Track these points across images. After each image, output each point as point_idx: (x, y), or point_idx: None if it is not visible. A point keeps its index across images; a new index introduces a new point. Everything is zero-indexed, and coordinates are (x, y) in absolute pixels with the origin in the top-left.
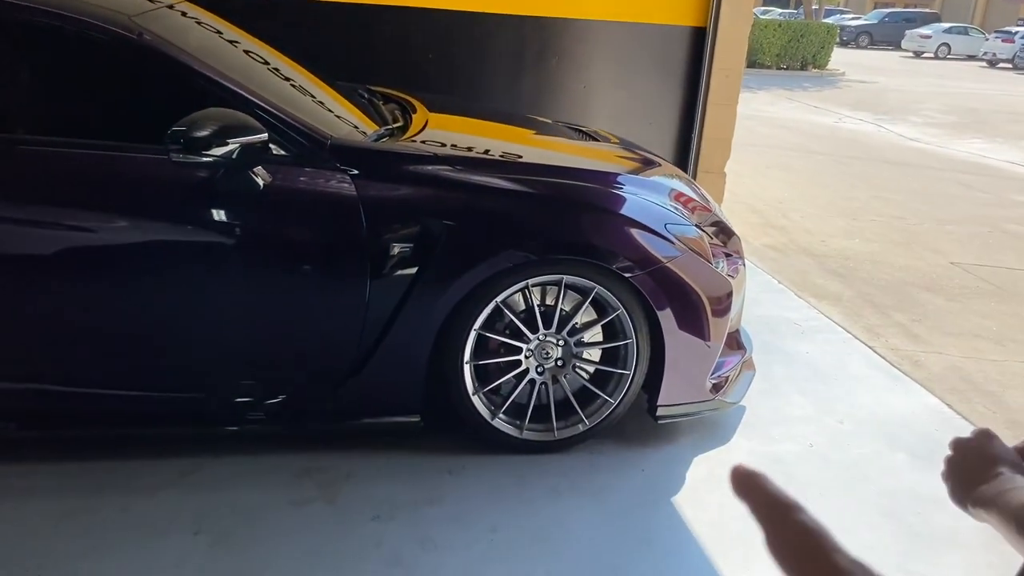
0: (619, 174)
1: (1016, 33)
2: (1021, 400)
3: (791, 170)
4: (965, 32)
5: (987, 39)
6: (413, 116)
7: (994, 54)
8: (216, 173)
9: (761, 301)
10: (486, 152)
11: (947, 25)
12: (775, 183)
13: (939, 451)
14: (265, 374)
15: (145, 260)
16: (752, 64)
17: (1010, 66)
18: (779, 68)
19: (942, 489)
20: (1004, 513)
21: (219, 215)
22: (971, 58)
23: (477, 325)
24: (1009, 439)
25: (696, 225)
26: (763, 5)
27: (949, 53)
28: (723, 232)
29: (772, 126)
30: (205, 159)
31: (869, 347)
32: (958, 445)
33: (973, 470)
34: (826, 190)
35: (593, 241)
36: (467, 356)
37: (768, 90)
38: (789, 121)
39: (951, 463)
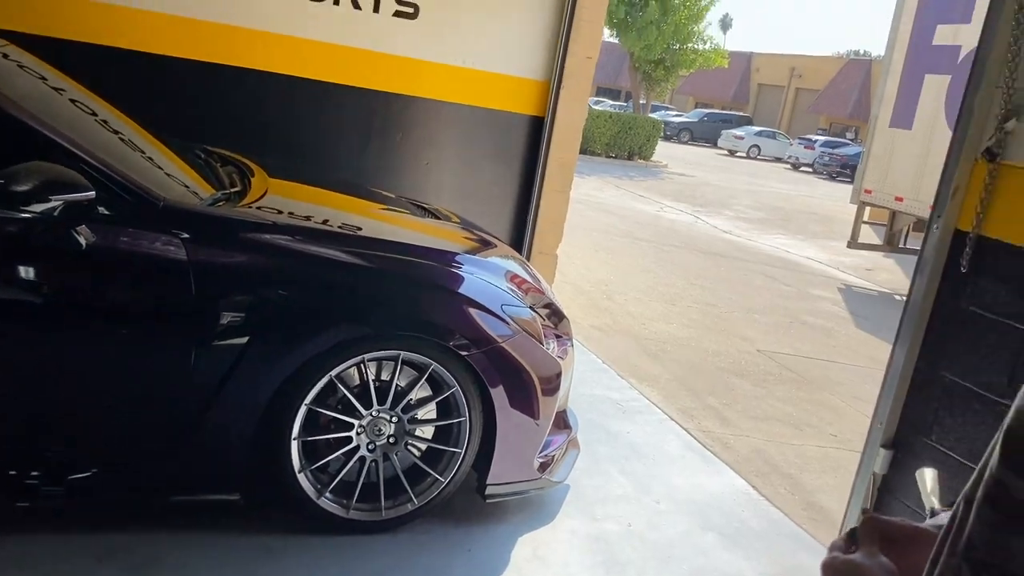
0: (459, 253)
1: (816, 141)
2: (816, 481)
3: (616, 254)
4: (773, 136)
5: (792, 144)
6: (252, 181)
7: (797, 158)
8: (35, 230)
9: (586, 380)
10: (327, 223)
11: (758, 129)
12: (602, 266)
13: (744, 531)
14: (77, 444)
15: None
16: (584, 151)
17: (811, 170)
18: (608, 156)
19: (745, 568)
20: None
21: (35, 275)
22: (778, 160)
23: (308, 400)
24: (805, 519)
25: (530, 307)
26: (596, 96)
27: (759, 154)
28: (555, 314)
29: (601, 211)
30: (24, 215)
31: (684, 428)
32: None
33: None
34: (648, 275)
35: (433, 318)
36: (296, 432)
37: (598, 176)
38: (616, 207)
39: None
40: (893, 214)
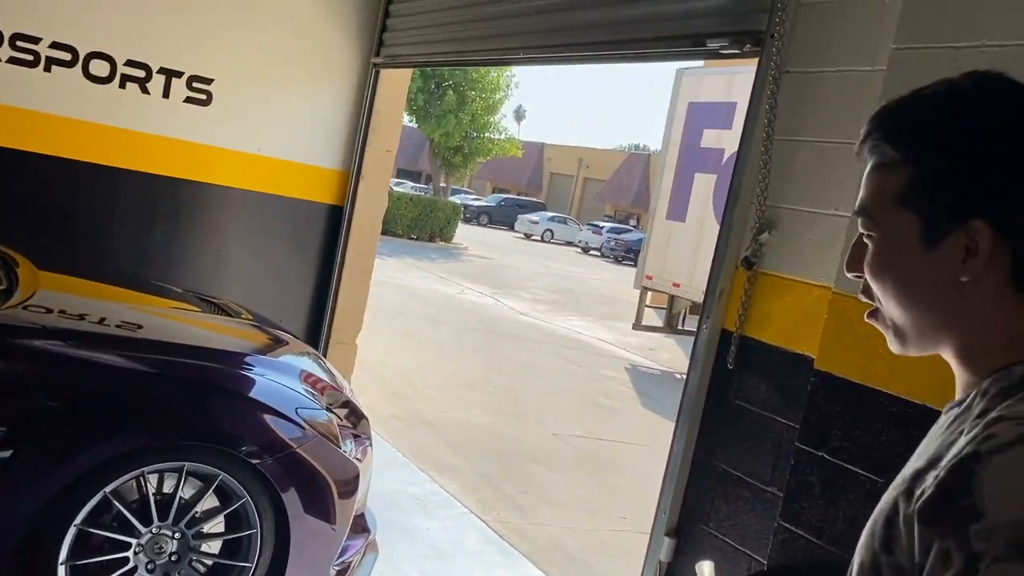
0: (249, 354)
1: (603, 227)
2: (609, 567)
3: (418, 338)
4: (565, 222)
5: (581, 229)
6: (20, 276)
7: (587, 243)
8: None
9: (386, 475)
10: (103, 322)
11: (551, 214)
12: (403, 351)
13: None
14: None
15: None
16: (386, 232)
17: (599, 253)
18: (410, 238)
19: None
20: None
21: None
22: (569, 244)
23: (78, 520)
24: None
25: (327, 407)
26: (397, 177)
27: (552, 238)
28: (353, 413)
29: (403, 294)
30: None
31: (483, 521)
32: None
33: None
34: (448, 359)
35: (220, 426)
36: (63, 555)
37: (399, 258)
38: (418, 290)
39: None
40: (672, 298)
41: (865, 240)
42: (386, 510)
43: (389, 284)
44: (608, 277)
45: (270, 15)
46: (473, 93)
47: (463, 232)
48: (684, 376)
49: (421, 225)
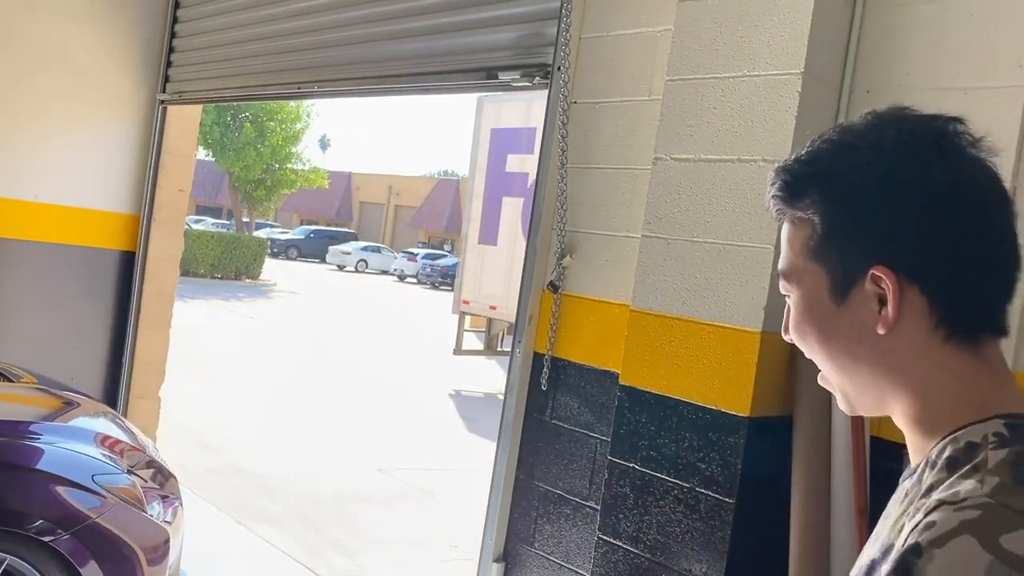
0: (34, 421)
1: (418, 254)
2: None
3: (227, 385)
4: (378, 251)
5: (396, 257)
6: None
7: (402, 270)
8: None
9: (205, 535)
10: None
11: (364, 244)
12: (213, 400)
13: None
14: None
15: None
16: (187, 273)
17: (415, 280)
18: (214, 277)
19: None
20: None
21: None
22: (384, 272)
23: None
24: None
25: (128, 470)
26: (196, 214)
27: (367, 267)
28: (159, 473)
29: (207, 337)
30: None
31: (310, 570)
32: None
33: None
34: (263, 404)
35: (2, 504)
36: None
37: (204, 299)
38: (224, 332)
39: None
40: (490, 321)
41: (789, 303)
42: (207, 572)
43: (193, 329)
44: (425, 303)
45: (41, 54)
46: (272, 124)
47: (272, 267)
48: None
49: (225, 263)
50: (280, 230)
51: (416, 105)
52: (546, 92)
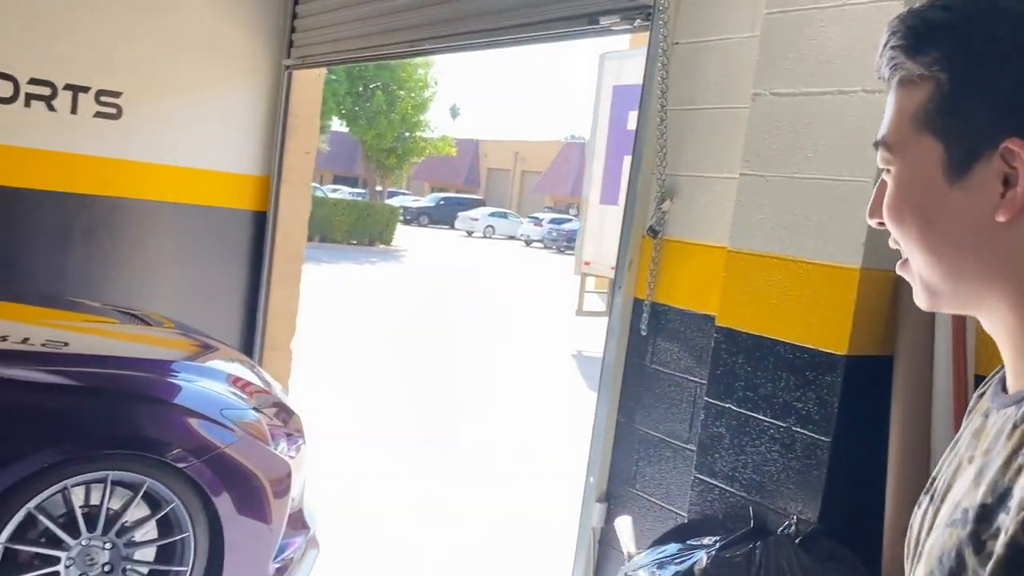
0: (172, 361)
1: (543, 219)
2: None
3: (355, 340)
4: (505, 216)
5: (522, 223)
6: None
7: (528, 235)
8: None
9: (327, 475)
10: (11, 338)
11: (491, 210)
12: (343, 353)
13: None
14: None
15: None
16: (324, 239)
17: (541, 245)
18: (349, 243)
19: None
20: None
21: None
22: (511, 238)
23: (3, 538)
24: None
25: (255, 408)
26: (333, 184)
27: (494, 233)
28: (285, 413)
29: (341, 297)
30: None
31: (423, 502)
32: None
33: None
34: (388, 358)
35: (142, 433)
36: None
37: (339, 263)
38: (362, 293)
39: None
40: (612, 281)
41: (885, 178)
42: (325, 511)
43: (328, 288)
44: (550, 267)
45: (174, 23)
46: (402, 92)
47: (403, 234)
48: None
49: (359, 230)
50: (412, 198)
51: (543, 70)
52: (647, 35)
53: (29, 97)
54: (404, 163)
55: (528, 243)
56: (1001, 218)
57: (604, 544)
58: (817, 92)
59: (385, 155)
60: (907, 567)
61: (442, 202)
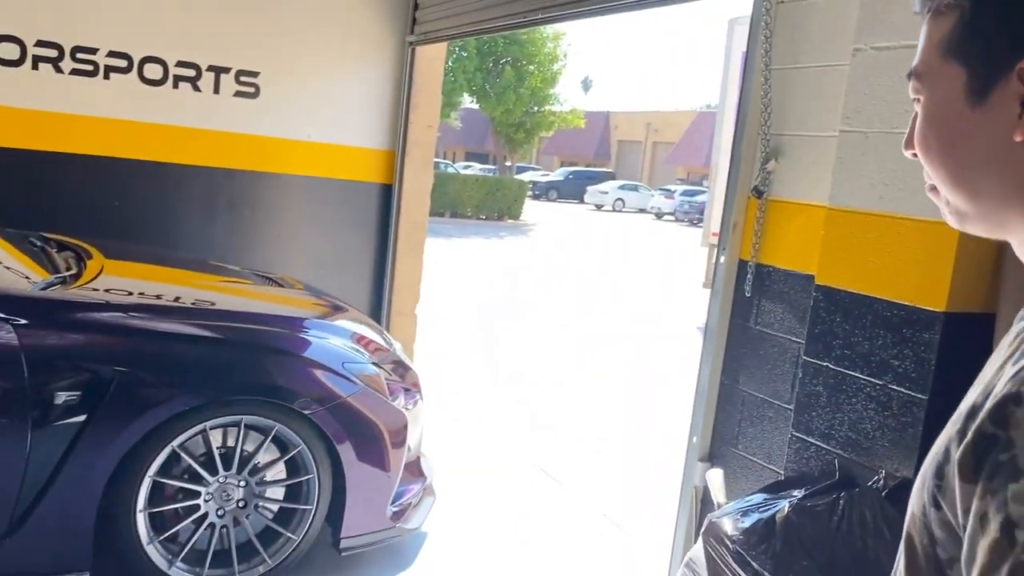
0: (299, 319)
1: (675, 191)
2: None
3: (482, 308)
4: (635, 189)
5: (653, 195)
6: (88, 263)
7: (659, 208)
8: None
9: (448, 434)
10: (161, 297)
11: (621, 183)
12: (468, 320)
13: (594, 552)
14: None
15: None
16: (455, 214)
17: (672, 218)
18: (479, 218)
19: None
20: None
21: None
22: (642, 211)
23: (152, 472)
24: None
25: (374, 363)
26: (465, 160)
27: (624, 207)
28: (402, 369)
29: (469, 269)
30: None
31: (538, 467)
32: None
33: None
34: (514, 326)
35: (271, 381)
36: (141, 504)
37: (469, 238)
38: (486, 266)
39: None
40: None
41: (916, 108)
42: (446, 464)
43: (458, 261)
44: (680, 239)
45: (307, 4)
46: (531, 67)
47: (532, 209)
48: None
49: (488, 205)
50: (541, 172)
51: (676, 38)
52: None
53: (177, 79)
54: (532, 137)
55: (659, 216)
56: (1018, 138)
57: (707, 504)
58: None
59: (514, 130)
60: None
61: (571, 176)
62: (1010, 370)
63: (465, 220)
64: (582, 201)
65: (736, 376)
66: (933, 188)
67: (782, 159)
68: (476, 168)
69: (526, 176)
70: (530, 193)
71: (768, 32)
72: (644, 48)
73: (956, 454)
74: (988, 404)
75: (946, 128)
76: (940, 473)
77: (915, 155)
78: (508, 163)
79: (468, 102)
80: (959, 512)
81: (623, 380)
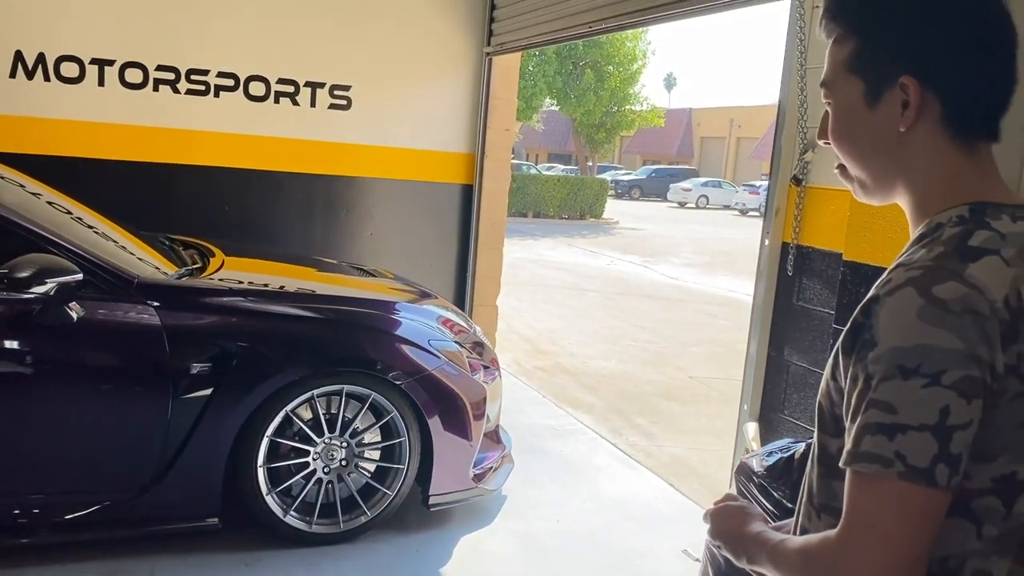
0: (391, 302)
1: (760, 186)
2: (727, 475)
3: (564, 306)
4: (719, 185)
5: (737, 191)
6: (211, 259)
7: (744, 204)
8: (36, 308)
9: (525, 411)
10: (272, 285)
11: (704, 180)
12: (549, 316)
13: (659, 518)
14: (77, 487)
15: None
16: (537, 214)
17: (757, 214)
18: (561, 218)
19: (653, 544)
20: (782, 560)
21: (37, 343)
22: (726, 207)
23: (269, 432)
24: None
25: (456, 342)
26: (548, 162)
27: (708, 203)
28: (482, 348)
29: (552, 268)
30: (27, 296)
31: (612, 444)
32: (718, 503)
33: (733, 516)
34: (592, 321)
35: (368, 355)
36: (260, 460)
37: (551, 237)
38: (568, 264)
39: (715, 513)
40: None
41: (827, 109)
42: (525, 438)
43: (540, 261)
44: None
45: (392, 22)
46: (610, 67)
47: (614, 207)
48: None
49: (570, 204)
50: (623, 171)
51: (758, 33)
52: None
53: (278, 95)
54: (613, 137)
55: (743, 212)
56: (902, 128)
57: None
58: None
59: (594, 130)
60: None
61: (653, 174)
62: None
63: (548, 220)
64: (665, 199)
65: (781, 348)
66: (842, 167)
67: (818, 149)
68: (559, 169)
69: (608, 175)
70: (612, 192)
71: (803, 35)
72: (726, 43)
73: (840, 339)
74: (861, 304)
75: (850, 124)
76: (835, 354)
77: (827, 143)
78: (589, 163)
79: (549, 104)
80: (843, 378)
81: (701, 364)
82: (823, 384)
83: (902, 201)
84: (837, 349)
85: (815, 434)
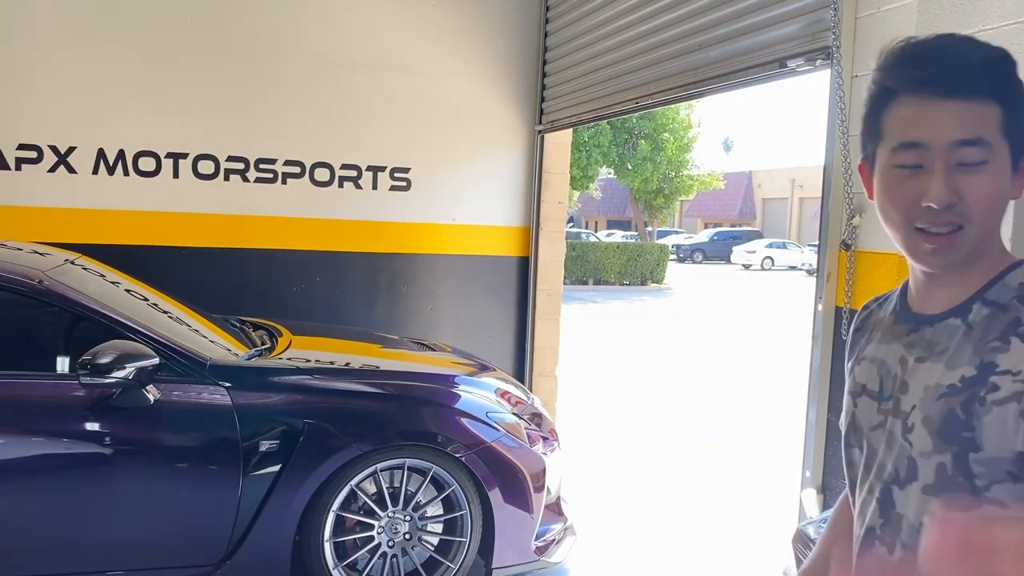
0: (451, 376)
1: None
2: None
3: (620, 368)
4: (784, 246)
5: (803, 251)
6: (279, 339)
7: (811, 265)
8: (117, 391)
9: (586, 477)
10: (337, 363)
11: (769, 241)
12: (609, 379)
13: None
14: (155, 563)
15: (56, 466)
16: (598, 281)
17: None
18: (622, 284)
19: None
20: None
21: (117, 424)
22: (792, 268)
23: (335, 506)
24: None
25: (515, 414)
26: (607, 228)
27: (773, 265)
28: (540, 419)
29: (610, 332)
30: (108, 380)
31: (664, 509)
32: None
33: None
34: (650, 382)
35: (429, 429)
36: (327, 534)
37: (610, 303)
38: (626, 325)
39: None
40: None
41: (972, 167)
42: (587, 501)
43: (600, 326)
44: None
45: (448, 106)
46: (665, 135)
47: (676, 272)
48: None
49: (631, 270)
50: (685, 235)
51: (811, 94)
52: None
53: (341, 180)
54: (672, 202)
55: (811, 273)
56: (1015, 196)
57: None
58: None
59: (652, 196)
60: (849, 451)
61: (716, 237)
62: None
63: (608, 286)
64: (728, 262)
65: (839, 413)
66: (958, 232)
67: (865, 214)
68: (618, 235)
69: (669, 240)
70: (674, 256)
71: (843, 105)
72: (782, 104)
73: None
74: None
75: (1002, 190)
76: (968, 426)
77: (951, 204)
78: (649, 228)
79: (606, 173)
80: (1019, 440)
81: (760, 426)
82: (939, 458)
83: (964, 263)
84: (973, 417)
85: (931, 455)
